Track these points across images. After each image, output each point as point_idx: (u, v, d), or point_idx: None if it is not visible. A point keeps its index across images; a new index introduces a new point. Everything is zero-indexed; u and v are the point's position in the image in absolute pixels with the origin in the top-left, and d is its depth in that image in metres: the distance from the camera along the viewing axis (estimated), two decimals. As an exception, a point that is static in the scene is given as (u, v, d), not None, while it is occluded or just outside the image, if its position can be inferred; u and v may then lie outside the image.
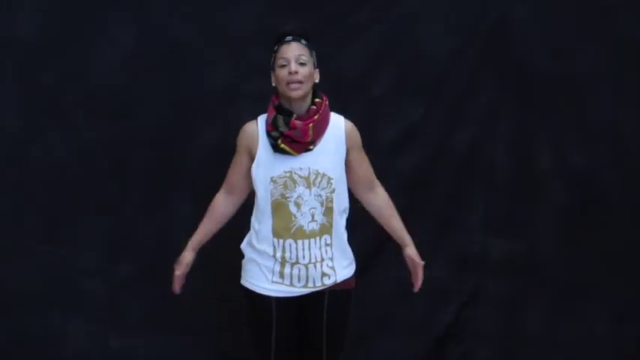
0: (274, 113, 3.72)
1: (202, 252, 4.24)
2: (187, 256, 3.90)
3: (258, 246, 3.79)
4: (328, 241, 3.76)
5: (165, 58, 4.57)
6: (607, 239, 4.81)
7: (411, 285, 3.93)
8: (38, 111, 4.54)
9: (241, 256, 4.05)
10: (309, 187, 3.73)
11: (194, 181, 4.62)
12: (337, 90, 4.13)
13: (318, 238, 3.75)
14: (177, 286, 3.91)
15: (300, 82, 3.67)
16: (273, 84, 3.77)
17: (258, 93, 4.38)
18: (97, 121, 4.56)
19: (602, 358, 4.85)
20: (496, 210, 4.79)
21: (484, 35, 4.73)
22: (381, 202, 3.92)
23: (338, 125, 3.79)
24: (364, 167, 3.87)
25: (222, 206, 3.90)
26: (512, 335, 4.84)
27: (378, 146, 4.35)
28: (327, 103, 3.79)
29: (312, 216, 3.74)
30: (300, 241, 3.73)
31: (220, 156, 4.38)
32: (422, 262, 3.91)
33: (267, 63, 4.20)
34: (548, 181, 4.77)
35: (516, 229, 4.81)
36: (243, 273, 3.85)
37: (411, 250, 3.90)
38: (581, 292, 4.80)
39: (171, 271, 4.27)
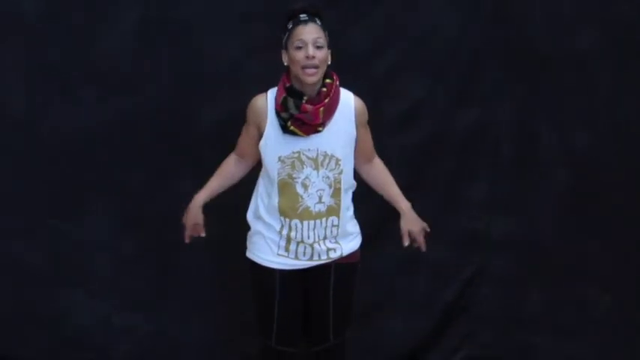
0: (284, 94, 3.69)
1: (212, 229, 4.22)
2: (195, 214, 3.88)
3: (266, 218, 3.78)
4: (335, 223, 3.78)
5: (169, 34, 4.55)
6: (608, 219, 4.82)
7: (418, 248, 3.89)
8: (45, 88, 4.54)
9: (244, 231, 4.03)
10: (317, 168, 3.73)
11: (197, 158, 4.63)
12: (344, 67, 4.09)
13: (324, 219, 3.76)
14: (186, 239, 3.93)
15: (316, 66, 3.64)
16: (285, 63, 3.72)
17: (262, 71, 4.39)
18: (102, 97, 4.55)
19: (601, 337, 4.88)
20: (499, 188, 4.80)
21: (488, 14, 4.70)
22: (378, 172, 3.92)
23: (348, 103, 3.78)
24: (367, 141, 3.87)
25: (232, 167, 3.89)
26: (512, 315, 4.87)
27: (384, 123, 4.35)
28: (337, 83, 3.77)
29: (320, 197, 3.75)
30: (306, 222, 3.73)
31: (223, 133, 4.43)
32: (422, 226, 3.89)
33: (270, 41, 4.21)
34: (550, 160, 4.78)
35: (519, 208, 4.82)
36: (248, 245, 3.88)
37: (407, 220, 3.87)
38: (581, 272, 4.83)
39: (176, 246, 4.31)
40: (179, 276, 4.78)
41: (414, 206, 4.17)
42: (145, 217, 4.67)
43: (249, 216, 3.91)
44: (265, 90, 4.04)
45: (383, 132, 4.26)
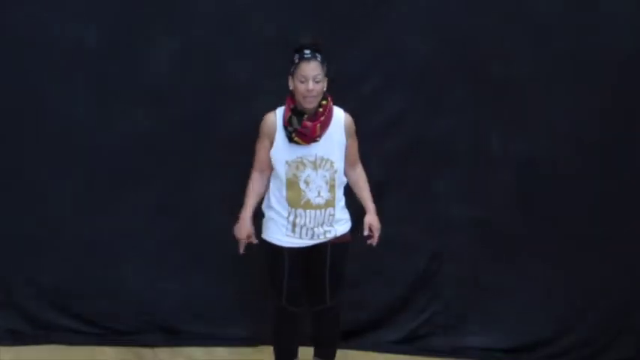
0: (290, 114, 4.10)
1: (230, 216, 4.65)
2: (247, 227, 4.25)
3: (277, 208, 4.17)
4: (332, 213, 4.18)
5: (201, 61, 4.93)
6: (546, 205, 5.16)
7: (370, 243, 4.31)
8: (103, 104, 4.93)
9: (257, 219, 4.43)
10: (315, 169, 4.12)
11: (222, 160, 5.00)
12: (337, 86, 4.41)
13: (323, 209, 4.15)
14: (241, 249, 4.29)
15: (313, 97, 4.08)
16: (291, 87, 4.13)
17: (275, 90, 4.71)
18: (148, 111, 4.96)
19: (536, 297, 5.20)
20: (459, 183, 5.17)
21: (456, 43, 5.04)
22: (358, 177, 4.32)
23: (339, 118, 4.19)
24: (354, 150, 4.27)
25: (258, 182, 4.25)
26: (470, 283, 5.22)
27: (369, 131, 4.67)
28: (331, 104, 4.17)
29: (319, 192, 4.13)
30: (308, 211, 4.14)
31: (242, 140, 4.78)
32: (379, 227, 4.29)
33: (281, 65, 4.54)
34: (498, 162, 5.12)
35: (475, 198, 5.17)
36: (263, 229, 4.29)
37: (371, 217, 4.27)
38: (526, 248, 5.17)
39: (203, 228, 4.94)
40: (206, 251, 5.09)
41: (393, 196, 4.70)
42: (178, 205, 5.04)
43: (264, 206, 4.29)
44: (273, 104, 4.45)
45: (370, 138, 4.64)
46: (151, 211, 5.07)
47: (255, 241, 4.28)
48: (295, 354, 4.44)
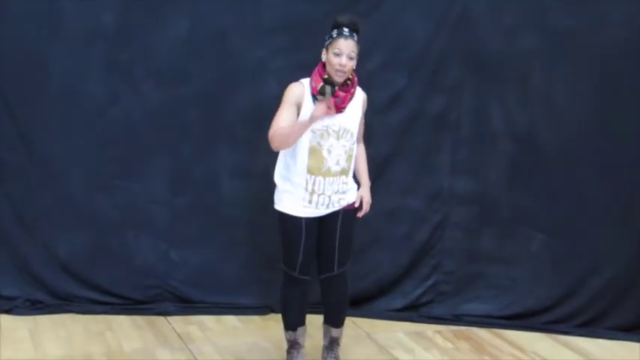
0: (321, 83, 4.09)
1: (240, 190, 4.95)
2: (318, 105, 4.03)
3: (294, 178, 4.19)
4: (345, 180, 4.25)
5: (211, 40, 5.03)
6: (542, 179, 5.26)
7: (357, 215, 4.30)
8: (117, 80, 5.00)
9: (265, 191, 4.47)
10: (338, 138, 4.17)
11: (231, 133, 5.13)
12: None
13: (338, 176, 4.20)
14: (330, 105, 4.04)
15: (344, 72, 4.09)
16: (323, 59, 4.10)
17: (280, 68, 5.02)
18: (160, 87, 5.04)
19: (535, 266, 5.34)
20: (460, 157, 5.27)
21: (451, 23, 5.15)
22: (360, 152, 4.37)
23: (360, 94, 4.26)
24: (362, 126, 4.34)
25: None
26: (469, 251, 5.36)
27: (373, 107, 4.58)
28: (356, 78, 4.20)
29: (337, 161, 4.19)
30: (327, 178, 4.18)
31: (251, 116, 5.06)
32: (369, 201, 4.33)
33: (286, 45, 4.91)
34: (498, 136, 5.24)
35: (475, 171, 5.29)
36: (277, 200, 4.26)
37: (364, 190, 4.33)
38: (526, 219, 5.30)
39: (216, 200, 5.06)
40: (218, 224, 5.20)
41: (396, 169, 4.82)
42: (192, 179, 5.14)
43: (278, 178, 4.27)
44: (279, 81, 4.55)
45: (373, 113, 4.65)
46: (164, 185, 5.16)
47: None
48: (303, 322, 4.46)
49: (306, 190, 4.20)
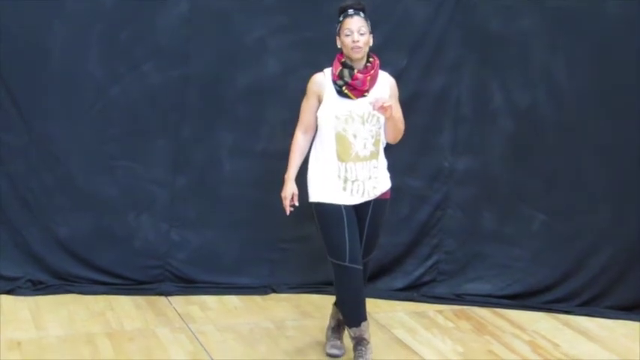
0: (340, 67, 4.19)
1: (240, 170, 5.00)
2: (292, 187, 4.27)
3: (327, 168, 4.25)
4: (375, 165, 4.28)
5: (211, 20, 5.07)
6: (542, 158, 5.32)
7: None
8: (116, 61, 5.04)
9: (262, 172, 4.69)
10: (363, 123, 4.22)
11: (232, 114, 5.18)
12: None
13: (368, 161, 4.25)
14: (287, 210, 4.28)
15: (360, 47, 4.16)
16: (339, 46, 4.22)
17: (279, 48, 5.09)
18: (160, 67, 5.07)
19: (535, 246, 5.41)
20: (460, 136, 5.34)
21: (451, 3, 5.20)
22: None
23: (386, 79, 4.32)
24: (398, 110, 4.29)
25: (302, 142, 4.32)
26: (470, 230, 5.42)
27: None
28: (377, 61, 4.26)
29: (364, 145, 4.23)
30: (358, 164, 4.23)
31: (253, 95, 5.13)
32: (388, 103, 4.09)
33: (283, 27, 4.97)
34: (498, 115, 5.30)
35: (475, 151, 5.36)
36: (313, 193, 4.28)
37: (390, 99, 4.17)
38: (526, 198, 5.37)
39: (217, 181, 5.09)
40: (219, 203, 5.26)
41: (397, 149, 4.67)
42: (193, 159, 5.19)
43: (311, 172, 4.31)
44: (278, 62, 4.88)
45: None
46: (165, 165, 5.21)
47: (297, 203, 4.27)
48: (365, 316, 4.36)
49: (339, 177, 4.25)
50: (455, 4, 5.23)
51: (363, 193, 4.28)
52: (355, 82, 4.18)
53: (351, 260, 4.21)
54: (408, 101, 5.00)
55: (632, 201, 5.32)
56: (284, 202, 4.27)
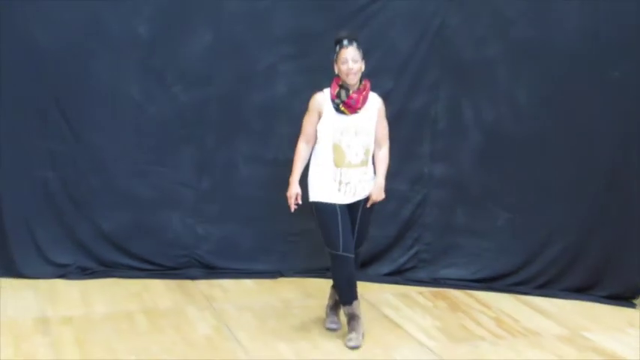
0: (338, 89, 4.40)
1: (255, 174, 5.28)
2: (296, 188, 4.46)
3: (324, 172, 4.44)
4: (365, 171, 4.51)
5: (230, 48, 5.39)
6: (506, 165, 5.57)
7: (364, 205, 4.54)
8: (152, 82, 5.36)
9: (276, 175, 4.84)
10: (356, 135, 4.46)
11: (248, 128, 5.50)
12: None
13: (359, 167, 4.46)
14: (292, 208, 4.47)
15: (354, 73, 4.39)
16: (336, 71, 4.43)
17: (288, 72, 5.42)
18: (188, 88, 5.39)
19: (500, 238, 5.65)
20: (437, 147, 5.59)
21: (431, 35, 5.49)
22: (382, 155, 4.59)
23: (374, 99, 4.54)
24: (382, 129, 4.56)
25: (304, 151, 4.51)
26: (445, 225, 5.69)
27: None
28: (369, 84, 4.47)
29: (357, 154, 4.45)
30: (350, 169, 4.44)
31: (265, 112, 5.44)
32: (375, 198, 4.49)
33: (293, 53, 5.22)
34: (469, 129, 5.56)
35: (450, 159, 5.60)
36: (313, 193, 4.49)
37: (375, 188, 4.51)
38: (493, 198, 5.62)
39: (235, 183, 5.33)
40: (237, 202, 5.55)
41: None
42: (215, 164, 5.48)
43: (311, 175, 4.50)
44: (288, 84, 5.15)
45: None
46: (191, 170, 5.52)
47: (300, 201, 4.45)
48: (356, 296, 4.56)
49: (335, 180, 4.45)
50: (434, 35, 5.48)
51: (354, 193, 4.48)
52: (350, 101, 4.40)
53: (344, 250, 4.45)
54: (394, 117, 5.20)
55: (582, 201, 5.52)
56: (289, 201, 4.47)
